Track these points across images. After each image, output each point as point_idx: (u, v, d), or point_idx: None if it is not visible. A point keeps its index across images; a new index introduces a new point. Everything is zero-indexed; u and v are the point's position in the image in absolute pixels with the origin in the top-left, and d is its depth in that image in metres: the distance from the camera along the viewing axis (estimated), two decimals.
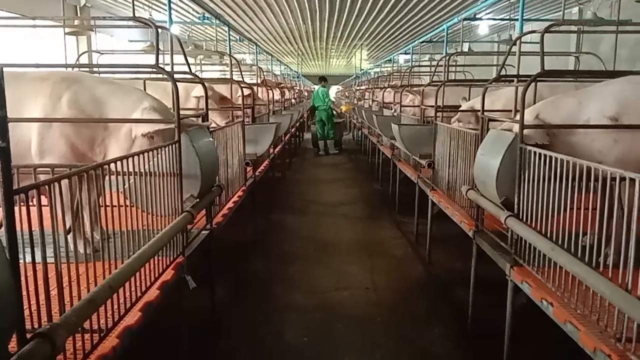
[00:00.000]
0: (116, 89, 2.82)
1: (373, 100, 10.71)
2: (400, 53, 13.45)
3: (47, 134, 2.62)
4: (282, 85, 11.27)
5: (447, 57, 5.42)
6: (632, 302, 1.62)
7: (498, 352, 2.84)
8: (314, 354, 3.27)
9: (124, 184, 2.15)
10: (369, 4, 10.70)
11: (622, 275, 1.73)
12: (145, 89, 3.48)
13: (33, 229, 1.43)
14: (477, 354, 3.28)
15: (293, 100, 13.29)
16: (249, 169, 4.87)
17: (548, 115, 2.76)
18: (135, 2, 3.73)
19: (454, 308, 3.91)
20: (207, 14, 7.89)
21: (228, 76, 5.37)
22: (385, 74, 12.64)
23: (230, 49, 6.49)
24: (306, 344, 3.39)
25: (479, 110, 3.36)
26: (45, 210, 1.50)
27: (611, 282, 1.75)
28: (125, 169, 2.05)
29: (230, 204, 3.96)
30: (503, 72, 4.12)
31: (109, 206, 2.27)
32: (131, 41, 10.08)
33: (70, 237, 2.52)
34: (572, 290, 2.11)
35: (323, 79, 12.88)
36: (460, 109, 4.66)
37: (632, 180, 1.69)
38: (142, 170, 2.18)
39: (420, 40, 9.52)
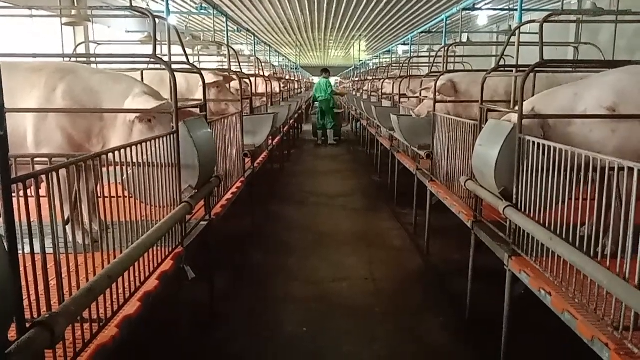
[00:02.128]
0: (108, 78, 2.80)
1: (372, 92, 10.67)
2: (399, 44, 13.40)
3: (42, 125, 2.60)
4: (280, 77, 11.20)
5: (446, 48, 5.40)
6: (630, 290, 1.63)
7: (496, 341, 2.85)
8: (312, 344, 3.28)
9: (122, 175, 2.14)
10: None
11: (619, 265, 1.74)
12: (142, 80, 3.46)
13: (31, 219, 1.43)
14: (475, 344, 3.30)
15: (291, 92, 13.28)
16: (247, 160, 4.86)
17: (543, 108, 2.75)
18: None
19: (452, 298, 3.92)
20: (204, 4, 7.83)
21: (226, 67, 5.34)
22: (384, 65, 12.60)
23: (228, 39, 6.44)
24: (304, 334, 3.40)
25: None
26: (44, 201, 1.50)
27: (609, 271, 1.76)
28: (123, 159, 2.04)
29: (228, 195, 3.96)
30: (502, 63, 4.10)
31: (107, 197, 2.26)
32: (128, 32, 9.99)
33: (68, 227, 2.52)
34: (570, 279, 2.12)
35: (325, 71, 13.26)
36: (440, 82, 4.53)
37: (631, 170, 1.69)
38: (140, 160, 2.17)
39: (419, 30, 9.45)
